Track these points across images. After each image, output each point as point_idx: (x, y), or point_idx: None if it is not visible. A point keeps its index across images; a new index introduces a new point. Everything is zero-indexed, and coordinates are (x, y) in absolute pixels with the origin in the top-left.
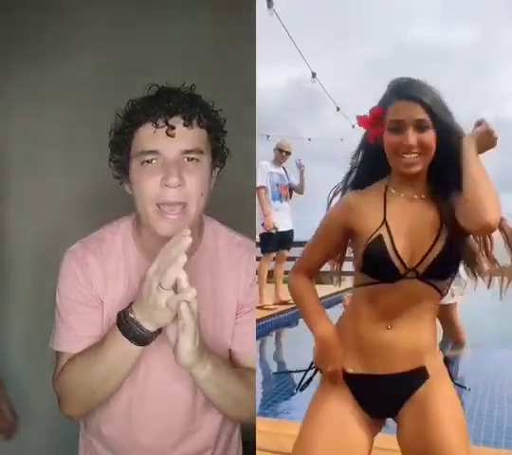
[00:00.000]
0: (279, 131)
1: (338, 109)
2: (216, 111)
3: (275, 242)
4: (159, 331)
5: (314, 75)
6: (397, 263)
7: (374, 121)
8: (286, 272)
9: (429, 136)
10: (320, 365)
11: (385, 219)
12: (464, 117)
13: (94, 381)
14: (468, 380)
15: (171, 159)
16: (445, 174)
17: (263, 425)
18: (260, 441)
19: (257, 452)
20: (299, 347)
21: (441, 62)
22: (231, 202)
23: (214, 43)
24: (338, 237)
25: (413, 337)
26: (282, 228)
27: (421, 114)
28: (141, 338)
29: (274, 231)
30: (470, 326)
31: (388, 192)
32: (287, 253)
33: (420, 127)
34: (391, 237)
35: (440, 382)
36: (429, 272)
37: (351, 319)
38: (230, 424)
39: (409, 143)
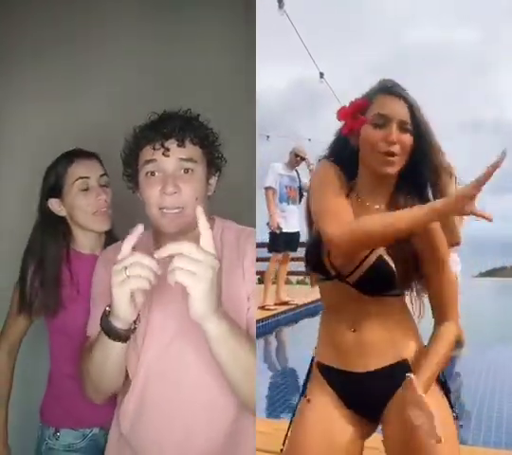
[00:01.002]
0: (279, 131)
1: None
2: (210, 129)
3: (281, 242)
4: (134, 329)
5: (322, 75)
6: (328, 267)
7: (355, 113)
8: (289, 273)
9: (409, 139)
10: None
11: None
12: (464, 117)
13: (93, 369)
14: (468, 380)
15: (168, 172)
16: (412, 185)
17: (262, 425)
18: (259, 441)
19: (256, 453)
20: (299, 347)
21: (441, 62)
22: (231, 202)
23: (214, 43)
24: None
25: (382, 337)
26: (287, 230)
27: (405, 115)
28: (115, 334)
29: (278, 231)
30: (469, 326)
31: (352, 199)
32: (292, 255)
33: (402, 128)
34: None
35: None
36: (362, 284)
37: (323, 316)
38: (244, 419)
39: (392, 138)
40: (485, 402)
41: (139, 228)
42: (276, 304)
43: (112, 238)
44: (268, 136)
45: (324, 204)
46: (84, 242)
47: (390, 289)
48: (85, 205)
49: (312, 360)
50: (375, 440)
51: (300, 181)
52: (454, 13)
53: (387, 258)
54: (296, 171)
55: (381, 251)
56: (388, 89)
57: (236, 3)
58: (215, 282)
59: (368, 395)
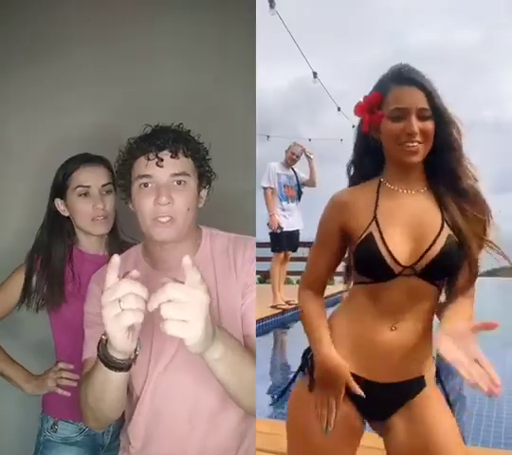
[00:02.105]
0: (279, 131)
1: (338, 109)
2: (201, 143)
3: (283, 241)
4: (135, 357)
5: (315, 75)
6: (390, 262)
7: (371, 108)
8: (290, 273)
9: (431, 126)
10: (322, 387)
11: (375, 215)
12: (465, 118)
13: (92, 398)
14: (468, 380)
15: (162, 183)
16: (440, 168)
17: (262, 425)
18: (259, 441)
19: (256, 453)
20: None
21: (442, 63)
22: (232, 202)
23: (215, 43)
24: (337, 241)
25: (417, 340)
26: (287, 228)
27: (423, 102)
28: (116, 365)
29: (279, 231)
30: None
31: (381, 187)
32: (293, 253)
33: (422, 116)
34: (381, 234)
35: (433, 389)
36: (429, 270)
37: (349, 319)
38: (248, 423)
39: (412, 130)
40: (485, 402)
41: (116, 259)
42: (277, 305)
43: (116, 239)
44: (268, 137)
45: (308, 259)
46: (87, 242)
47: (459, 268)
48: (83, 211)
49: (309, 355)
50: (376, 440)
51: (297, 179)
52: (454, 13)
53: (454, 237)
54: (293, 169)
55: (449, 230)
56: (401, 78)
57: (236, 3)
58: (208, 314)
59: (381, 402)
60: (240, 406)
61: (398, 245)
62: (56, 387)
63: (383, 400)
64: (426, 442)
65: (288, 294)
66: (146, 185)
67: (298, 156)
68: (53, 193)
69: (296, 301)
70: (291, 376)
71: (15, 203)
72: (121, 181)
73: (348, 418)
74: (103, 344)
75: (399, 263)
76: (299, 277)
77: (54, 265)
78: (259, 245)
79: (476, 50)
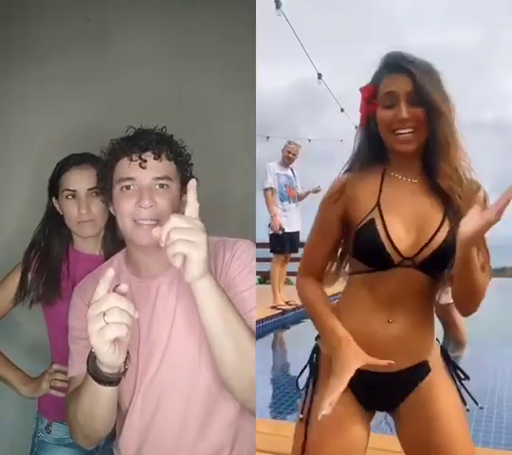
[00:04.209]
0: (279, 132)
1: (342, 110)
2: (183, 147)
3: (285, 242)
4: (124, 371)
5: (320, 76)
6: (390, 250)
7: (368, 99)
8: (290, 273)
9: (422, 112)
10: (356, 364)
11: (378, 202)
12: (466, 118)
13: (81, 415)
14: (468, 380)
15: (144, 186)
16: (433, 157)
17: (262, 426)
18: (259, 442)
19: (256, 453)
20: (299, 347)
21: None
22: (232, 203)
23: (215, 43)
24: (336, 228)
25: (415, 332)
26: (289, 229)
27: (410, 86)
28: (105, 380)
29: (281, 232)
30: (470, 326)
31: (386, 175)
32: (293, 254)
33: (413, 101)
34: (383, 221)
35: (440, 375)
36: (428, 262)
37: (346, 311)
38: (244, 421)
39: (402, 116)
40: (485, 402)
41: (110, 273)
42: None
43: (113, 239)
44: (268, 137)
45: (305, 247)
46: (81, 242)
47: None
48: (70, 213)
49: (316, 355)
50: (377, 440)
51: (295, 180)
52: (454, 14)
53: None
54: (291, 169)
55: (449, 225)
56: (391, 66)
57: (236, 3)
58: (206, 244)
59: (385, 393)
60: (234, 392)
61: (399, 235)
62: (50, 388)
63: (387, 390)
64: (434, 426)
65: (288, 294)
66: (128, 187)
67: (294, 155)
68: (50, 192)
69: (296, 302)
70: (291, 376)
71: (14, 202)
72: (102, 183)
73: (349, 407)
74: (93, 358)
75: (400, 254)
76: None
77: (51, 263)
78: (259, 245)
79: (476, 50)
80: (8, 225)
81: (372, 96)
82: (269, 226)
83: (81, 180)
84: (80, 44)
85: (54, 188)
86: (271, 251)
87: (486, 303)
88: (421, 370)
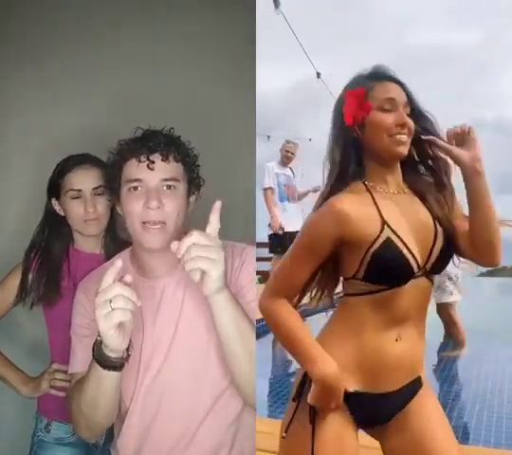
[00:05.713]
0: (280, 131)
1: None
2: (190, 148)
3: (285, 242)
4: (127, 357)
5: (318, 75)
6: (413, 263)
7: (360, 103)
8: None
9: (412, 122)
10: (322, 404)
11: (384, 220)
12: (466, 118)
13: (84, 404)
14: (468, 380)
15: (151, 187)
16: (416, 167)
17: (262, 425)
18: (259, 441)
19: (256, 452)
20: None
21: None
22: (232, 203)
23: (215, 43)
24: (327, 251)
25: (418, 345)
26: (289, 229)
27: (404, 95)
28: (110, 364)
29: (281, 232)
30: (470, 326)
31: (372, 191)
32: None
33: (407, 110)
34: (399, 238)
35: (427, 389)
36: (435, 267)
37: (349, 333)
38: (244, 420)
39: (404, 121)
40: (486, 402)
41: (118, 263)
42: None
43: (113, 238)
44: (269, 137)
45: (283, 264)
46: (83, 241)
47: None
48: (75, 213)
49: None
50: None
51: (294, 179)
52: (454, 14)
53: (446, 232)
54: (290, 169)
55: (439, 226)
56: (381, 76)
57: (236, 3)
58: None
59: (383, 412)
60: (238, 385)
61: (413, 246)
62: (50, 388)
63: (387, 409)
64: (423, 437)
65: None
66: (136, 188)
67: (292, 154)
68: (49, 193)
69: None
70: (291, 377)
71: (14, 202)
72: (110, 184)
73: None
74: (98, 345)
75: (418, 265)
76: None
77: (51, 263)
78: (259, 245)
79: (476, 50)
80: (8, 225)
81: (363, 99)
82: (269, 225)
83: (85, 180)
84: (79, 43)
85: (54, 189)
86: (271, 251)
87: (486, 303)
88: (415, 385)
